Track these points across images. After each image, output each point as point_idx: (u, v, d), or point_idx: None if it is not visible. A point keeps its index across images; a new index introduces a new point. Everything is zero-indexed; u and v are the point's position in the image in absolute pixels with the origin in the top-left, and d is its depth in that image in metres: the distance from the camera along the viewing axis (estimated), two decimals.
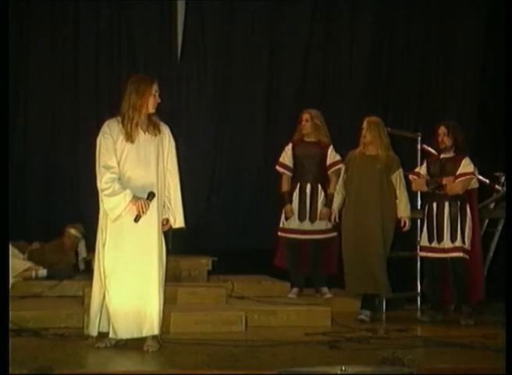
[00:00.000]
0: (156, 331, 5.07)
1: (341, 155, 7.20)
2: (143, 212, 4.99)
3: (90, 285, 5.25)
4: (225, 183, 8.98)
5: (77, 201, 8.38)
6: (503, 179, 7.87)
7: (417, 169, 7.01)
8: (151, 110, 5.16)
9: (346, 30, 9.22)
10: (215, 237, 8.65)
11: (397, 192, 6.72)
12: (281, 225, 7.31)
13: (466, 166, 6.67)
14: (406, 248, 7.42)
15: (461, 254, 6.60)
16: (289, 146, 7.35)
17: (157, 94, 5.15)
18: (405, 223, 6.72)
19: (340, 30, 9.22)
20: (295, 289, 7.26)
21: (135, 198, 4.98)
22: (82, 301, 6.26)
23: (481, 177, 7.27)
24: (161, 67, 8.79)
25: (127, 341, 5.09)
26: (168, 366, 4.69)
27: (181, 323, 5.86)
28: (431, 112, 8.99)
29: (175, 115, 8.20)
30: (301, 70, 9.13)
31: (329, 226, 7.18)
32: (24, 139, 8.56)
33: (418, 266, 7.42)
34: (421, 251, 6.99)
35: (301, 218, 7.21)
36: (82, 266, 7.82)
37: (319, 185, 7.27)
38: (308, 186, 7.27)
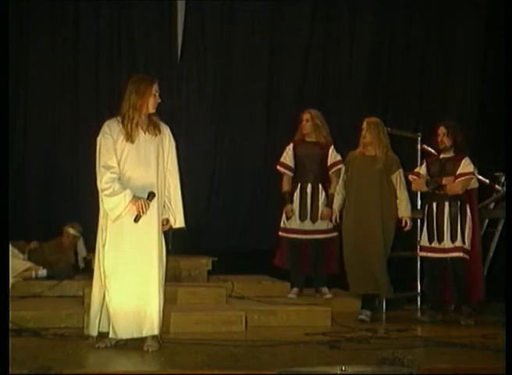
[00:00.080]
0: (156, 331, 5.07)
1: (341, 155, 7.20)
2: (143, 212, 4.99)
3: (90, 285, 5.25)
4: (225, 183, 8.98)
5: (77, 201, 8.38)
6: (503, 179, 7.86)
7: (416, 170, 7.01)
8: (151, 110, 5.16)
9: (346, 30, 9.23)
10: (215, 237, 8.66)
11: (397, 192, 6.73)
12: (282, 225, 7.31)
13: (466, 165, 6.67)
14: (406, 248, 7.42)
15: (461, 254, 6.60)
16: (290, 146, 7.35)
17: (157, 94, 5.15)
18: (406, 222, 6.72)
19: (340, 30, 9.22)
20: (295, 289, 7.26)
21: (135, 198, 4.98)
22: (82, 301, 6.26)
23: (481, 177, 7.27)
24: (161, 67, 8.79)
25: (127, 341, 5.09)
26: (168, 366, 4.69)
27: (181, 323, 5.86)
28: (431, 112, 8.99)
29: (175, 115, 8.20)
30: (301, 70, 9.13)
31: (330, 226, 7.18)
32: (24, 139, 8.57)
33: (418, 266, 7.42)
34: (421, 251, 6.99)
35: (302, 218, 7.21)
36: (82, 265, 7.83)
37: (320, 185, 7.27)
38: (309, 186, 7.27)
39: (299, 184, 7.30)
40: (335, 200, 6.97)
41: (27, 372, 4.03)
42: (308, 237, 7.23)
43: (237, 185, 8.97)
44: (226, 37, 9.02)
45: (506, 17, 7.41)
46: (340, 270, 7.18)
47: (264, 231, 8.33)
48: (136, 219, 5.00)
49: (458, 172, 6.66)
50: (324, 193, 7.25)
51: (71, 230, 7.77)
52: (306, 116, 7.27)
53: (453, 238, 6.62)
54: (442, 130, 6.77)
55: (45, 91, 8.66)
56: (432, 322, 6.67)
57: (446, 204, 6.69)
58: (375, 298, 6.88)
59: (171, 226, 5.28)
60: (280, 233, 7.32)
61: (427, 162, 6.99)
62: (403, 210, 6.72)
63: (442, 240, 6.67)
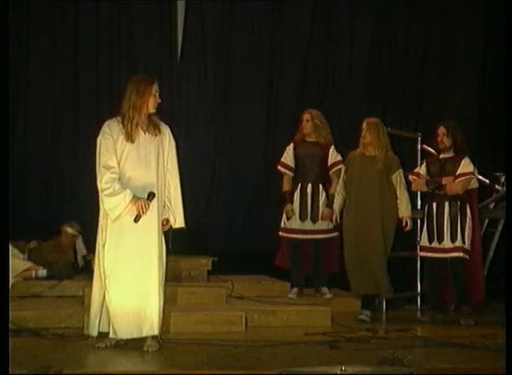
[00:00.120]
0: (156, 331, 5.07)
1: (342, 155, 7.20)
2: (143, 212, 4.99)
3: (90, 285, 5.25)
4: (225, 183, 8.98)
5: (77, 201, 8.38)
6: (503, 179, 7.87)
7: (416, 170, 7.01)
8: (152, 110, 5.16)
9: (346, 30, 9.23)
10: (215, 237, 8.66)
11: (398, 192, 6.73)
12: (282, 225, 7.31)
13: (466, 165, 6.67)
14: (406, 248, 7.42)
15: (461, 254, 6.60)
16: (291, 146, 7.35)
17: (157, 94, 5.15)
18: (406, 222, 6.73)
19: (340, 30, 9.22)
20: (295, 289, 7.26)
21: (135, 198, 4.98)
22: (82, 301, 6.26)
23: (481, 177, 7.27)
24: (161, 67, 8.79)
25: (127, 341, 5.09)
26: (168, 366, 4.69)
27: (181, 323, 5.86)
28: (431, 112, 8.99)
29: (175, 115, 8.20)
30: (301, 70, 9.13)
31: (331, 226, 7.18)
32: (24, 139, 8.57)
33: (418, 266, 7.42)
34: (421, 251, 6.99)
35: (302, 218, 7.21)
36: (81, 263, 7.83)
37: (320, 185, 7.27)
38: (309, 186, 7.27)
39: (299, 184, 7.30)
40: (335, 200, 6.97)
41: (27, 372, 4.03)
42: (309, 237, 7.23)
43: (237, 185, 8.97)
44: (226, 37, 9.02)
45: (506, 17, 7.40)
46: (340, 270, 7.19)
47: (264, 231, 8.33)
48: (136, 219, 5.00)
49: (458, 172, 6.66)
50: (324, 193, 7.25)
51: (69, 230, 7.78)
52: (306, 116, 7.27)
53: (453, 238, 6.62)
54: (441, 130, 6.77)
55: (45, 91, 8.66)
56: (432, 322, 6.67)
57: (446, 204, 6.69)
58: (375, 298, 6.88)
59: (171, 226, 5.28)
60: (281, 233, 7.32)
61: (427, 162, 6.99)
62: (404, 210, 6.72)
63: (442, 240, 6.67)
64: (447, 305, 6.98)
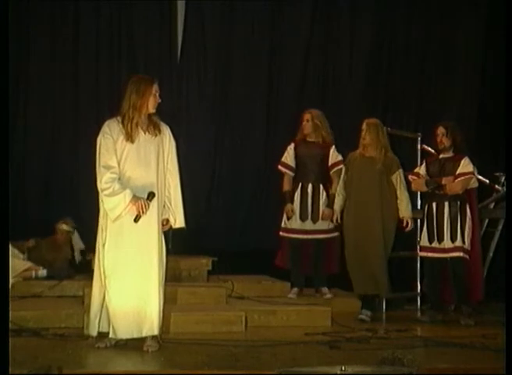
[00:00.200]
0: (156, 331, 5.07)
1: (342, 155, 7.20)
2: (143, 212, 4.99)
3: (90, 285, 5.25)
4: (225, 183, 8.98)
5: (77, 201, 8.38)
6: (503, 179, 7.86)
7: (416, 170, 7.01)
8: (152, 110, 5.16)
9: (346, 30, 9.22)
10: (215, 237, 8.65)
11: (398, 193, 6.73)
12: (283, 225, 7.31)
13: (465, 165, 6.67)
14: (406, 248, 7.42)
15: (461, 254, 6.60)
16: (292, 146, 7.35)
17: (157, 94, 5.15)
18: (407, 223, 6.73)
19: (340, 30, 9.22)
20: (295, 289, 7.26)
21: (135, 198, 4.98)
22: (82, 301, 6.26)
23: (481, 177, 7.27)
24: (161, 67, 8.79)
25: (127, 341, 5.09)
26: (168, 366, 4.69)
27: (181, 323, 5.86)
28: (431, 112, 8.98)
29: (175, 115, 8.20)
30: (301, 70, 9.13)
31: (331, 226, 7.17)
32: (24, 139, 8.57)
33: (418, 266, 7.42)
34: (421, 251, 6.99)
35: (303, 218, 7.21)
36: (79, 258, 7.84)
37: (321, 185, 7.27)
38: (310, 186, 7.27)
39: (300, 184, 7.30)
40: (336, 200, 6.97)
41: (27, 372, 4.03)
42: (309, 237, 7.23)
43: (237, 185, 8.97)
44: (226, 37, 9.02)
45: (506, 17, 7.40)
46: (341, 270, 7.19)
47: (264, 231, 8.33)
48: (136, 219, 5.00)
49: (458, 172, 6.66)
50: (325, 193, 7.25)
51: (64, 227, 7.78)
52: (306, 116, 7.27)
53: (453, 238, 6.63)
54: (441, 130, 6.77)
55: (45, 91, 8.66)
56: (432, 322, 6.67)
57: (446, 204, 6.69)
58: (375, 298, 6.88)
59: (171, 226, 5.28)
60: (281, 233, 7.32)
61: (426, 162, 6.99)
62: (404, 210, 6.73)
63: (442, 240, 6.67)
64: (447, 305, 6.98)
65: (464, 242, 6.61)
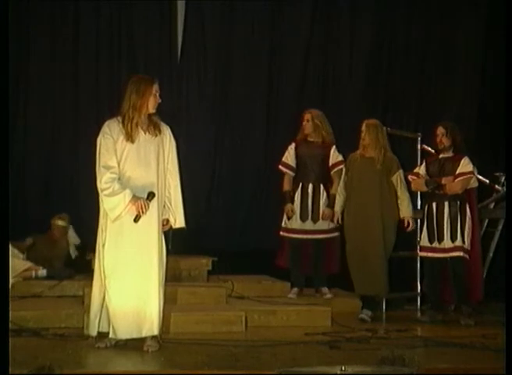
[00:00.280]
0: (156, 332, 5.07)
1: (342, 155, 7.20)
2: (142, 212, 4.99)
3: (90, 285, 5.25)
4: (225, 183, 8.98)
5: (77, 201, 8.38)
6: (503, 179, 7.86)
7: (416, 170, 7.01)
8: (152, 110, 5.16)
9: (346, 30, 9.22)
10: (215, 237, 8.65)
11: (398, 193, 6.74)
12: (283, 225, 7.30)
13: (465, 165, 6.68)
14: (406, 248, 7.41)
15: (461, 253, 6.61)
16: (292, 146, 7.35)
17: (157, 94, 5.15)
18: (408, 223, 6.73)
19: (340, 30, 9.21)
20: (295, 289, 7.26)
21: (135, 198, 4.98)
22: (82, 301, 6.27)
23: (480, 177, 7.27)
24: (161, 67, 8.79)
25: (127, 341, 5.09)
26: (168, 366, 4.69)
27: (181, 323, 5.86)
28: (431, 112, 8.98)
29: (175, 115, 8.20)
30: (301, 70, 9.13)
31: (331, 226, 7.17)
32: (24, 139, 8.57)
33: (418, 266, 7.42)
34: (421, 251, 6.99)
35: (303, 218, 7.21)
36: (75, 253, 7.85)
37: (321, 185, 7.27)
38: (310, 186, 7.27)
39: (300, 184, 7.29)
40: (336, 201, 6.97)
41: (27, 372, 4.03)
42: (309, 237, 7.23)
43: (237, 185, 8.96)
44: (226, 37, 9.02)
45: (506, 17, 7.40)
46: (341, 270, 7.19)
47: (264, 231, 8.33)
48: (136, 220, 5.00)
49: (457, 171, 6.67)
50: (325, 193, 7.25)
51: (60, 222, 7.80)
52: (307, 116, 7.27)
53: (453, 238, 6.63)
54: (440, 130, 6.78)
55: (45, 91, 8.65)
56: (432, 322, 6.67)
57: (446, 204, 6.69)
58: (375, 297, 6.88)
59: (171, 226, 5.28)
60: (281, 232, 7.31)
61: (426, 162, 6.99)
62: (405, 210, 6.73)
63: (442, 240, 6.67)
64: (447, 305, 6.98)
65: (463, 242, 6.61)
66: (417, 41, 9.29)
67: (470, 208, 6.71)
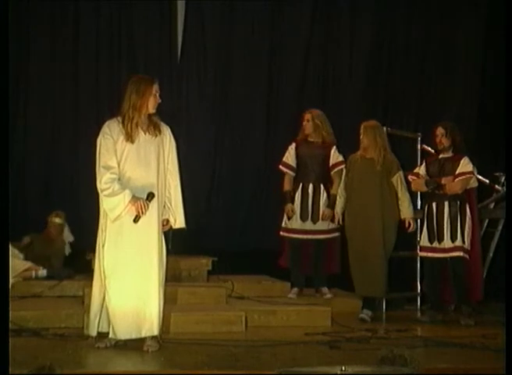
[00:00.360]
0: (155, 332, 5.06)
1: (343, 156, 7.20)
2: (142, 212, 4.99)
3: (90, 285, 5.25)
4: (225, 183, 8.97)
5: (77, 201, 8.38)
6: (502, 179, 7.87)
7: (416, 170, 7.01)
8: (152, 110, 5.15)
9: (346, 30, 9.22)
10: (215, 237, 8.65)
11: (399, 194, 6.74)
12: (283, 225, 7.30)
13: (465, 165, 6.68)
14: (406, 248, 7.42)
15: (461, 253, 6.61)
16: (293, 146, 7.35)
17: (157, 95, 5.15)
18: (409, 223, 6.73)
19: (340, 30, 9.21)
20: (295, 289, 7.26)
21: (134, 199, 4.98)
22: (82, 301, 6.27)
23: (480, 177, 7.28)
24: (161, 67, 8.79)
25: (127, 341, 5.09)
26: (168, 366, 4.69)
27: (181, 323, 5.86)
28: (431, 112, 8.98)
29: (175, 115, 8.19)
30: (301, 70, 9.13)
31: (331, 226, 7.17)
32: (24, 139, 8.57)
33: (418, 266, 7.42)
34: (421, 251, 7.00)
35: (303, 218, 7.21)
36: (69, 251, 7.86)
37: (322, 185, 7.26)
38: (310, 186, 7.27)
39: (300, 184, 7.29)
40: (337, 202, 6.97)
41: (27, 372, 4.03)
42: (309, 237, 7.23)
43: (237, 185, 8.96)
44: (226, 37, 9.01)
45: (506, 17, 7.40)
46: (341, 270, 7.19)
47: (264, 231, 8.33)
48: (136, 220, 5.00)
49: (457, 171, 6.67)
50: (325, 193, 7.25)
51: (57, 220, 7.81)
52: (307, 116, 7.27)
53: (453, 238, 6.63)
54: (440, 130, 6.78)
55: (45, 91, 8.65)
56: (432, 322, 6.68)
57: (446, 204, 6.70)
58: (375, 298, 6.88)
59: (171, 226, 5.28)
60: (281, 232, 7.31)
61: (426, 162, 7.00)
62: (406, 211, 6.73)
63: (442, 239, 6.68)
64: (447, 305, 6.98)
65: (463, 242, 6.62)
66: (417, 41, 9.29)
67: (470, 208, 6.71)
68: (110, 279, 5.02)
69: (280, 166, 7.39)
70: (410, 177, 6.91)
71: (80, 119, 8.62)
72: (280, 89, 9.11)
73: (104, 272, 5.05)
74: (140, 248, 5.04)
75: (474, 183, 6.78)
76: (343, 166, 7.09)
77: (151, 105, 5.13)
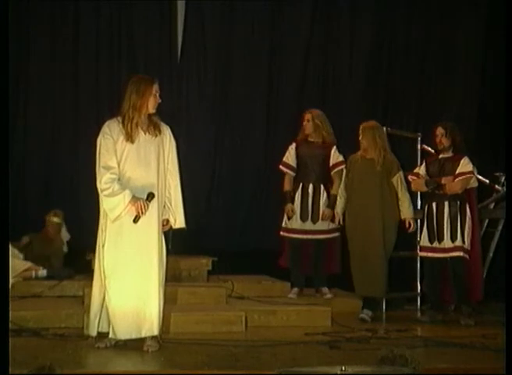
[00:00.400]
0: (155, 332, 5.06)
1: (343, 156, 7.20)
2: (142, 212, 4.99)
3: (90, 285, 5.25)
4: (225, 183, 8.97)
5: (77, 201, 8.38)
6: (503, 179, 7.87)
7: (416, 170, 7.01)
8: (152, 110, 5.15)
9: (346, 30, 9.22)
10: (215, 237, 8.65)
11: (399, 194, 6.74)
12: (283, 225, 7.30)
13: (465, 165, 6.68)
14: (406, 248, 7.42)
15: (461, 253, 6.61)
16: (293, 146, 7.34)
17: (157, 95, 5.15)
18: (410, 224, 6.73)
19: (340, 30, 9.21)
20: (295, 289, 7.26)
21: (134, 199, 4.98)
22: (82, 301, 6.26)
23: (480, 177, 7.28)
24: (161, 67, 8.79)
25: (127, 341, 5.09)
26: (168, 366, 4.69)
27: (181, 323, 5.86)
28: (431, 112, 8.98)
29: (175, 115, 8.19)
30: (301, 70, 9.12)
31: (331, 226, 7.17)
32: (24, 139, 8.57)
33: (418, 266, 7.42)
34: (421, 251, 7.00)
35: (303, 218, 7.21)
36: (65, 250, 7.86)
37: (322, 185, 7.26)
38: (311, 186, 7.26)
39: (300, 184, 7.29)
40: (338, 203, 6.98)
41: (27, 372, 4.03)
42: (309, 237, 7.22)
43: (237, 185, 8.96)
44: (226, 37, 9.01)
45: (506, 17, 7.40)
46: (342, 270, 7.19)
47: (264, 231, 8.33)
48: (136, 220, 5.00)
49: (457, 171, 6.67)
50: (325, 193, 7.25)
51: (55, 219, 7.82)
52: (307, 116, 7.27)
53: (453, 238, 6.63)
54: (440, 130, 6.78)
55: (45, 91, 8.66)
56: (432, 322, 6.68)
57: (446, 204, 6.70)
58: (375, 298, 6.88)
59: (171, 226, 5.28)
60: (282, 232, 7.31)
61: (426, 162, 7.00)
62: (406, 212, 6.73)
63: (442, 239, 6.68)
64: (447, 305, 6.98)
65: (463, 242, 6.62)
66: (417, 41, 9.29)
67: (470, 208, 6.71)
68: (110, 279, 5.02)
69: (280, 166, 7.39)
70: (410, 177, 6.91)
71: (80, 119, 8.62)
72: (280, 89, 9.11)
73: (104, 272, 5.05)
74: (140, 248, 5.04)
75: (474, 183, 6.78)
76: (343, 166, 7.09)
77: (151, 105, 5.13)
